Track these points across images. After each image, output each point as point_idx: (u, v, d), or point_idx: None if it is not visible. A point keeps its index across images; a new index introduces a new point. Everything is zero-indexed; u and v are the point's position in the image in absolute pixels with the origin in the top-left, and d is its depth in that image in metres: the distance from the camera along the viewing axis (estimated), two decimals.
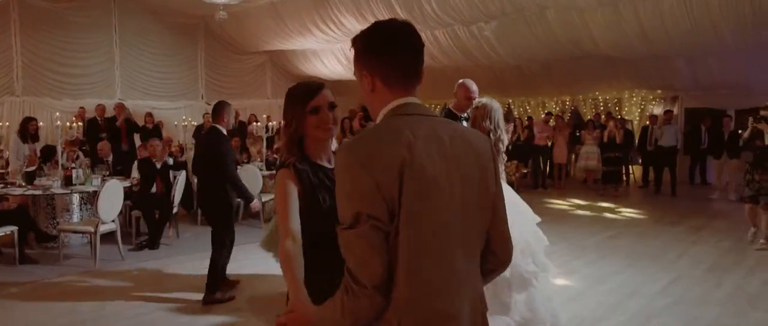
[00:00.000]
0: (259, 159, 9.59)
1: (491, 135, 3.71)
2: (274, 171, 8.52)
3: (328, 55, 14.82)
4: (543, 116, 13.79)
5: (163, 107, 13.99)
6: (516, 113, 15.72)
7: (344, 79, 15.86)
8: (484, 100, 3.89)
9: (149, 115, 11.85)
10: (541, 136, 12.67)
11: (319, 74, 15.90)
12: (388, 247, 1.35)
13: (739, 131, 11.00)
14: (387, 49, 1.43)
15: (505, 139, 3.89)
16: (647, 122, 12.70)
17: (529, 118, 14.23)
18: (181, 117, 13.27)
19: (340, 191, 1.38)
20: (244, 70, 15.81)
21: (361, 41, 1.48)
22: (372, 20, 8.09)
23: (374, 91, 1.47)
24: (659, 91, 13.74)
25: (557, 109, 15.16)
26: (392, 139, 1.36)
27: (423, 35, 7.75)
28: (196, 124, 12.33)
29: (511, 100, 16.25)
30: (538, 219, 3.92)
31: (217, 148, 4.95)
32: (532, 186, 12.53)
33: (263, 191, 8.23)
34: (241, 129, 12.17)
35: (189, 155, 9.03)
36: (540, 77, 14.05)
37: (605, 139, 11.49)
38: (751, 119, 6.94)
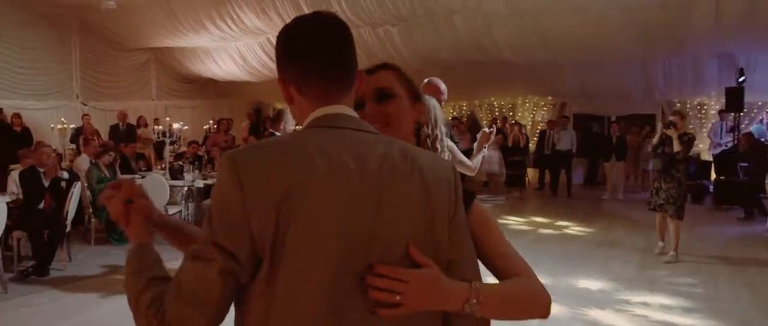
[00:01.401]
0: (159, 166, 8.66)
1: (428, 137, 3.48)
2: (181, 181, 7.72)
3: (222, 54, 13.93)
4: (450, 120, 13.98)
5: (30, 107, 12.27)
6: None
7: (238, 80, 15.04)
8: (426, 97, 3.64)
9: (17, 116, 10.31)
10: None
11: (211, 74, 14.95)
12: (238, 305, 1.08)
13: (618, 136, 11.92)
14: (302, 52, 1.13)
15: (446, 140, 3.63)
16: (540, 127, 13.34)
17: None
18: (54, 119, 11.72)
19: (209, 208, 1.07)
20: (125, 69, 14.39)
21: (277, 44, 1.19)
22: (275, 18, 7.58)
23: (293, 102, 1.17)
24: (550, 98, 14.50)
25: (454, 113, 15.49)
26: (284, 156, 1.05)
27: None
28: (74, 126, 10.94)
29: None
30: None
31: None
32: None
33: (171, 202, 7.40)
34: (129, 133, 10.99)
35: (77, 163, 7.90)
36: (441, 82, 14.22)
37: (510, 143, 11.84)
38: (660, 125, 7.16)
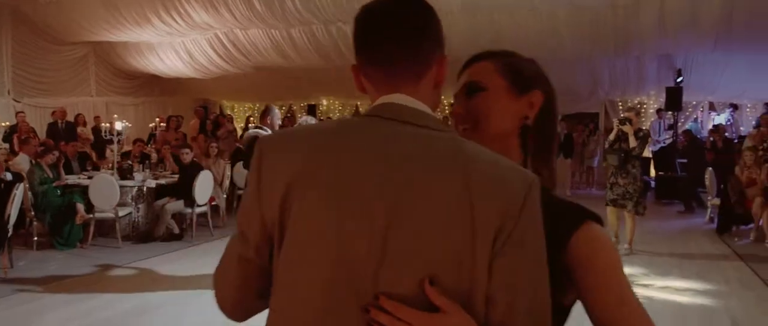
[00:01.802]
0: (106, 167, 8.23)
1: None
2: (132, 181, 7.37)
3: (167, 49, 13.41)
4: None
5: None
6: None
7: (184, 77, 14.55)
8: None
9: None
10: None
11: (155, 70, 14.39)
12: (259, 288, 1.02)
13: (565, 133, 12.28)
14: (364, 38, 1.06)
15: None
16: None
17: None
18: None
19: None
20: (62, 63, 13.61)
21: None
22: (225, 14, 7.53)
23: (365, 91, 1.07)
24: None
25: None
26: (299, 141, 1.00)
27: (277, 34, 7.34)
28: (8, 124, 10.27)
29: (359, 102, 16.31)
30: None
31: None
32: None
33: (121, 204, 7.04)
34: (69, 131, 10.42)
35: (15, 163, 7.39)
36: None
37: None
38: (616, 121, 7.25)
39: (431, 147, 0.94)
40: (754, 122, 11.86)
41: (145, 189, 7.50)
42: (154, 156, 9.06)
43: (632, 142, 6.73)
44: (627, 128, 6.77)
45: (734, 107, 12.43)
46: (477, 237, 0.88)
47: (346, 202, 0.91)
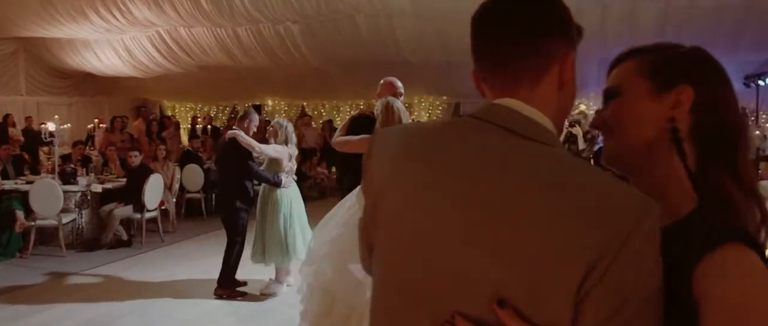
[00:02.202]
0: (46, 171, 7.76)
1: None
2: (76, 186, 7.00)
3: (104, 47, 12.81)
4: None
5: None
6: (311, 113, 15.65)
7: (122, 76, 13.95)
8: (389, 98, 3.63)
9: None
10: None
11: (91, 68, 13.73)
12: None
13: None
14: (477, 36, 0.96)
15: None
16: None
17: (329, 121, 14.40)
18: None
19: None
20: None
21: None
22: (169, 11, 7.40)
23: (485, 95, 0.98)
24: (445, 97, 14.97)
25: (352, 112, 15.51)
26: (394, 141, 0.98)
27: (223, 32, 7.23)
28: None
29: (305, 103, 16.15)
30: None
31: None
32: (338, 190, 12.54)
33: (64, 210, 6.66)
34: (1, 133, 9.77)
35: None
36: (339, 80, 14.20)
37: None
38: (566, 123, 7.55)
39: (522, 161, 0.84)
40: None
41: (89, 194, 7.14)
42: (96, 158, 8.62)
43: (581, 144, 6.98)
44: (576, 130, 7.03)
45: None
46: (554, 269, 0.76)
47: (424, 211, 0.87)
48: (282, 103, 16.28)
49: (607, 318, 0.75)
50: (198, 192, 8.75)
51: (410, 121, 3.53)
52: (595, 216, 0.77)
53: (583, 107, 13.22)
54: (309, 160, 12.38)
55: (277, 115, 15.96)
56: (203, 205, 8.89)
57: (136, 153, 7.13)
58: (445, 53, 11.68)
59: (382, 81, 4.19)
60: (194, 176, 8.60)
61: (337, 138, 3.68)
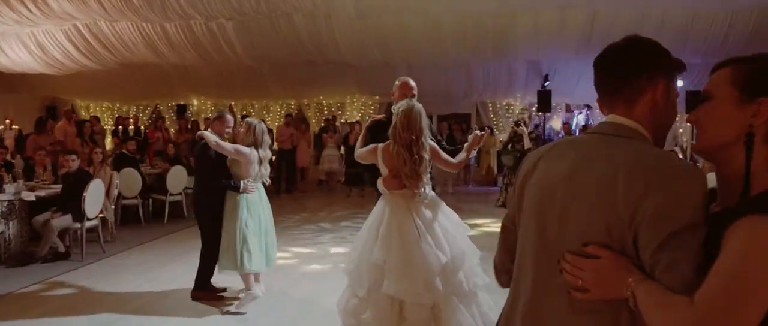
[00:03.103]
0: None
1: (412, 145, 3.45)
2: (2, 194, 6.34)
3: (13, 40, 11.70)
4: (284, 119, 13.59)
5: None
6: (238, 114, 15.14)
7: (33, 73, 12.82)
8: (405, 102, 3.59)
9: None
10: (282, 139, 12.48)
11: None
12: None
13: (448, 133, 12.86)
14: (595, 76, 1.42)
15: (426, 140, 3.61)
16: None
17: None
18: None
19: None
20: None
21: None
22: (93, 3, 7.49)
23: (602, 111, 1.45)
24: (377, 97, 15.00)
25: (283, 112, 15.19)
26: (538, 151, 1.47)
27: (149, 27, 7.09)
28: None
29: (233, 102, 15.62)
30: (469, 229, 3.82)
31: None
32: (275, 192, 12.23)
33: None
34: None
35: None
36: (270, 79, 13.85)
37: (351, 143, 11.96)
38: (513, 123, 7.68)
39: (606, 149, 1.26)
40: None
41: (16, 203, 6.48)
42: (16, 162, 7.84)
43: (527, 143, 7.20)
44: (521, 130, 7.22)
45: (589, 107, 13.87)
46: (620, 215, 1.17)
47: (544, 197, 1.33)
48: (208, 102, 15.64)
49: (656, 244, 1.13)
50: (135, 198, 8.20)
51: (427, 121, 3.50)
52: (642, 180, 1.15)
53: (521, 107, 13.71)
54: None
55: (202, 115, 15.32)
56: (141, 212, 8.34)
57: (74, 156, 6.55)
58: (384, 53, 11.71)
59: (397, 82, 4.12)
60: (131, 181, 8.04)
61: (357, 151, 3.72)
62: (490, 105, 14.61)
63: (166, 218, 8.65)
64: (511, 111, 14.84)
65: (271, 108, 15.37)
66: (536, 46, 11.21)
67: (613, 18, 10.31)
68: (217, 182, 4.86)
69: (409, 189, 3.40)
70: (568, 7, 10.07)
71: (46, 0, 9.94)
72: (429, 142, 3.48)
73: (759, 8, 9.53)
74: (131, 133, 11.89)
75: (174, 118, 14.88)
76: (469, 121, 14.66)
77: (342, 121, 14.52)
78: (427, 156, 3.46)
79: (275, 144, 12.32)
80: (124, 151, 8.52)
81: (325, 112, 15.20)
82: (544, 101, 11.98)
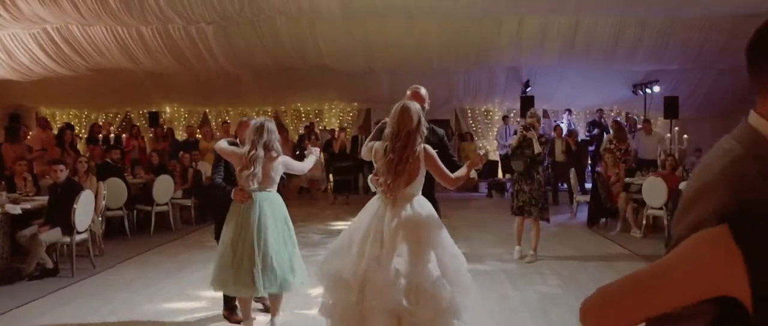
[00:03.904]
0: None
1: (394, 139, 3.35)
2: None
3: None
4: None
5: None
6: (214, 122, 14.76)
7: (3, 79, 12.13)
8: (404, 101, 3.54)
9: None
10: None
11: None
12: None
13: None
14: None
15: (418, 151, 3.50)
16: (357, 133, 13.58)
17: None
18: None
19: None
20: None
21: None
22: (67, 6, 7.18)
23: None
24: (356, 104, 14.86)
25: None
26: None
27: (125, 31, 6.93)
28: None
29: (207, 109, 15.22)
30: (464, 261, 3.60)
31: None
32: None
33: None
34: None
35: None
36: (247, 86, 13.55)
37: (336, 150, 11.79)
38: (521, 127, 7.25)
39: (712, 155, 1.18)
40: (586, 126, 13.68)
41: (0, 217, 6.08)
42: None
43: (537, 148, 6.70)
44: (531, 134, 6.82)
45: (569, 111, 14.05)
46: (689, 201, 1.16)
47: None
48: (182, 109, 15.17)
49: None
50: (120, 209, 7.82)
51: (426, 125, 3.50)
52: (705, 178, 1.13)
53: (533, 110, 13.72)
54: None
55: (175, 123, 14.87)
56: (126, 224, 7.96)
57: (62, 166, 6.18)
58: (368, 60, 11.60)
59: (408, 91, 4.16)
60: (116, 191, 7.67)
61: (363, 148, 3.78)
62: (469, 111, 14.66)
63: (152, 230, 8.29)
64: (489, 117, 14.93)
65: (248, 115, 15.02)
66: (519, 53, 11.31)
67: (594, 25, 10.51)
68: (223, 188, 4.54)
69: (385, 189, 3.26)
70: (551, 14, 10.18)
71: (15, 2, 9.45)
72: (425, 147, 3.35)
73: (734, 17, 9.83)
74: (112, 142, 11.40)
75: (146, 125, 14.36)
76: (447, 127, 14.67)
77: (321, 127, 14.31)
78: (411, 159, 3.27)
79: None
80: (107, 160, 8.13)
81: (303, 119, 14.97)
82: (527, 107, 12.03)
